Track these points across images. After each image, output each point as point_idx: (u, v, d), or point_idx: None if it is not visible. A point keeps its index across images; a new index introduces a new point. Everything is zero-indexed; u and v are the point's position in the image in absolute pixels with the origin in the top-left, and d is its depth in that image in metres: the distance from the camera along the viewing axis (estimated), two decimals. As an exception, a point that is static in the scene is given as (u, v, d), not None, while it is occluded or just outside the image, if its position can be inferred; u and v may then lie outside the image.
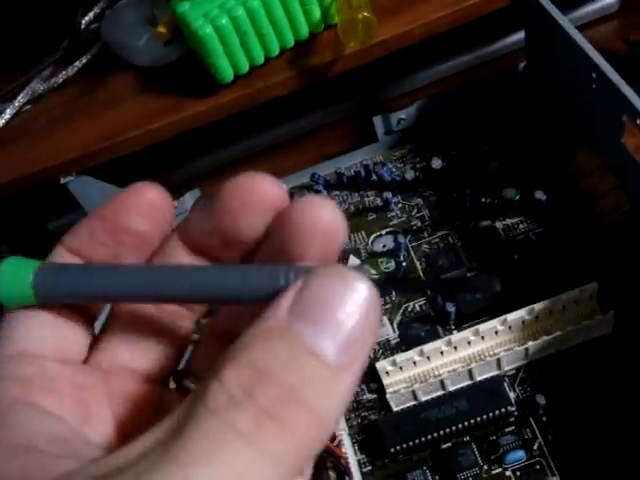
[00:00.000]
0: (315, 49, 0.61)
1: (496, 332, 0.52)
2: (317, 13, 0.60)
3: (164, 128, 0.61)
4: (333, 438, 0.50)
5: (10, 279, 0.26)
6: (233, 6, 0.56)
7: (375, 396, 0.54)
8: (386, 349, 0.56)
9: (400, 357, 0.52)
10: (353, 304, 0.22)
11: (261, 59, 0.60)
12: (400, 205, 0.62)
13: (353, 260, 0.60)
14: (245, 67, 0.60)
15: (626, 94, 0.50)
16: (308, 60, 0.60)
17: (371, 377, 0.54)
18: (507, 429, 0.50)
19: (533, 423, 0.50)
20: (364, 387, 0.54)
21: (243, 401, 0.20)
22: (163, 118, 0.61)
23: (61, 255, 0.28)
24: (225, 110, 0.61)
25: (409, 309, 0.57)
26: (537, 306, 0.51)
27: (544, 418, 0.50)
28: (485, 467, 0.49)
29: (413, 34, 0.60)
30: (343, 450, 0.49)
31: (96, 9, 0.70)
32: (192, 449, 0.19)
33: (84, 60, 0.67)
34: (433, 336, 0.55)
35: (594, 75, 0.54)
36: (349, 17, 0.56)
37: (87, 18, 0.70)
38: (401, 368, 0.52)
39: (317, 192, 0.64)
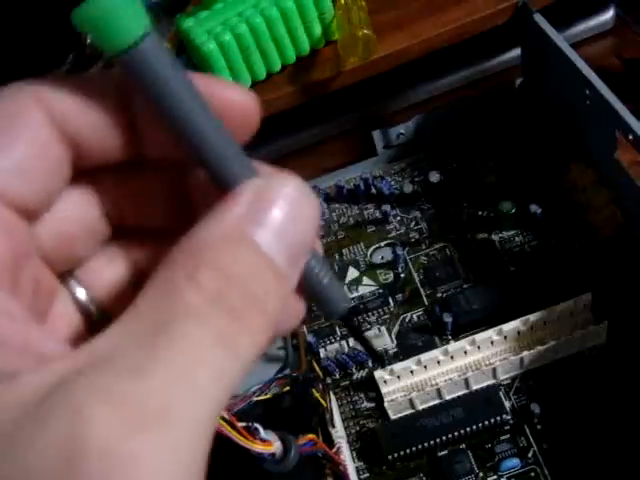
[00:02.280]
0: (316, 64, 0.62)
1: (492, 342, 0.53)
2: (318, 29, 0.61)
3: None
4: (332, 445, 0.51)
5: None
6: (236, 23, 0.58)
7: (373, 404, 0.55)
8: (384, 359, 0.57)
9: (398, 366, 0.53)
10: (301, 213, 0.24)
11: (263, 74, 0.61)
12: (399, 218, 0.64)
13: (352, 272, 0.62)
14: (247, 82, 0.61)
15: (619, 111, 0.52)
16: (309, 75, 0.62)
17: (369, 386, 0.55)
18: (502, 437, 0.51)
19: (528, 431, 0.51)
20: (362, 396, 0.56)
21: (218, 304, 0.21)
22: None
23: None
24: (227, 124, 0.62)
25: (407, 319, 0.58)
26: (532, 317, 0.52)
27: (539, 427, 0.51)
28: (481, 474, 0.50)
29: (413, 50, 0.61)
30: (342, 457, 0.50)
31: (102, 24, 0.71)
32: (172, 352, 0.20)
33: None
34: (430, 346, 0.56)
35: (588, 92, 0.55)
36: (349, 34, 0.58)
37: (93, 33, 0.71)
38: (399, 377, 0.53)
39: (317, 204, 0.65)
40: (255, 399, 0.49)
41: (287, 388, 0.50)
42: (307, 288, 0.26)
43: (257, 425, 0.44)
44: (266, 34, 0.59)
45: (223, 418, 0.44)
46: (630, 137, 0.51)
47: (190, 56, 0.62)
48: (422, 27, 0.61)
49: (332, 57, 0.61)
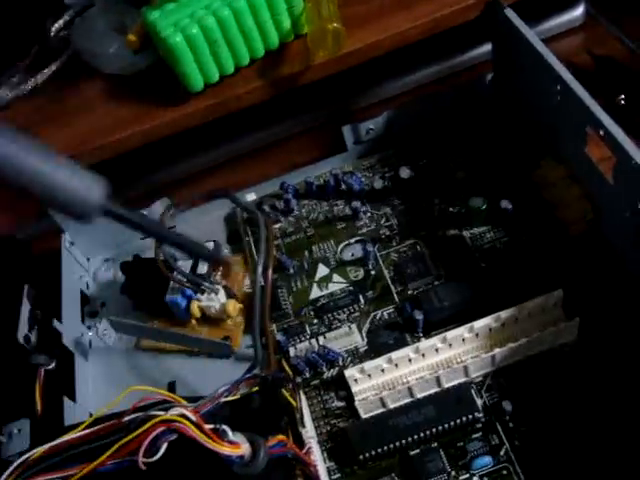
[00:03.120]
0: (285, 59, 0.61)
1: (463, 340, 0.52)
2: (287, 23, 0.60)
3: (134, 137, 0.61)
4: (302, 446, 0.50)
5: None
6: (203, 15, 0.57)
7: (344, 404, 0.54)
8: (355, 357, 0.56)
9: (368, 365, 0.52)
10: None
11: (231, 68, 0.60)
12: (369, 214, 0.63)
13: (322, 269, 0.61)
14: (215, 76, 0.60)
15: (589, 106, 0.51)
16: (278, 70, 0.61)
17: (340, 385, 0.54)
18: (474, 435, 0.51)
19: (500, 429, 0.50)
20: (333, 395, 0.55)
21: None
22: (133, 126, 0.61)
23: None
24: (195, 118, 0.61)
25: (377, 317, 0.57)
26: (503, 314, 0.52)
27: (510, 424, 0.50)
28: (453, 473, 0.49)
29: (383, 44, 0.61)
30: (312, 458, 0.49)
31: (66, 16, 0.70)
32: None
33: (54, 67, 0.67)
34: (401, 344, 0.55)
35: (559, 87, 0.55)
36: (318, 27, 0.57)
37: (57, 25, 0.70)
38: (369, 376, 0.53)
39: (287, 201, 0.64)
40: (223, 400, 0.48)
41: (256, 388, 0.49)
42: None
43: (225, 427, 0.43)
44: (234, 27, 0.58)
45: (190, 420, 0.43)
46: (601, 132, 0.51)
47: (157, 49, 0.60)
48: (392, 21, 0.61)
49: (301, 51, 0.60)
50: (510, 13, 0.59)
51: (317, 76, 0.61)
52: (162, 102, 0.62)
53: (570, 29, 0.73)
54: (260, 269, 0.58)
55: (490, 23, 0.62)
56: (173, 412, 0.44)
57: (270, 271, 0.59)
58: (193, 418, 0.43)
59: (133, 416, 0.46)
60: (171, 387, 0.57)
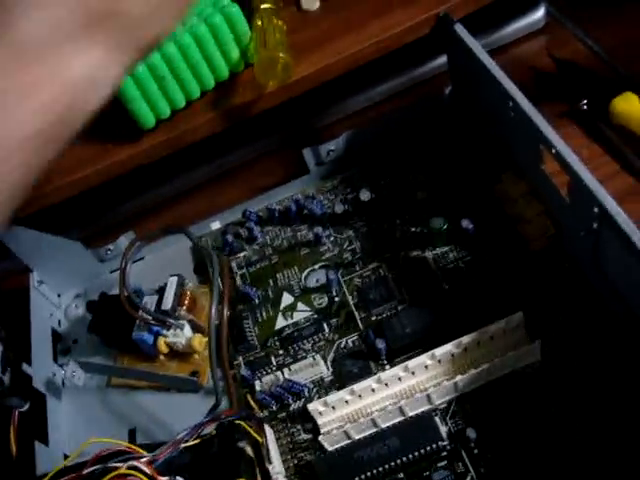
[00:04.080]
0: (236, 89, 0.61)
1: (426, 367, 0.52)
2: (235, 53, 0.60)
3: (91, 176, 0.61)
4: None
5: None
6: (149, 53, 0.56)
7: (310, 436, 0.54)
8: (321, 387, 0.56)
9: (331, 398, 0.52)
10: None
11: (182, 102, 0.60)
12: (332, 238, 0.63)
13: (287, 298, 0.61)
14: (166, 111, 0.59)
15: (539, 126, 0.51)
16: (230, 100, 0.60)
17: (306, 417, 0.54)
18: (440, 464, 0.50)
19: (465, 456, 0.50)
20: (299, 427, 0.55)
21: None
22: (90, 166, 0.60)
23: None
24: (149, 155, 0.60)
25: (342, 345, 0.57)
26: (464, 339, 0.51)
27: (475, 451, 0.50)
28: (419, 504, 0.49)
29: (334, 68, 0.60)
30: (280, 493, 0.50)
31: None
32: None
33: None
34: (366, 372, 0.55)
35: (511, 104, 0.54)
36: (265, 57, 0.57)
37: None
38: (333, 408, 0.52)
39: (249, 229, 0.64)
40: (183, 446, 0.48)
41: (213, 432, 0.49)
42: None
43: (179, 478, 0.43)
44: (181, 62, 0.57)
45: (144, 473, 0.43)
46: (553, 151, 0.50)
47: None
48: (342, 44, 0.60)
49: (252, 80, 0.60)
50: (460, 29, 0.58)
51: (269, 104, 0.60)
52: (118, 140, 0.61)
53: (532, 32, 0.72)
54: (213, 309, 0.58)
55: (443, 37, 0.61)
56: (129, 465, 0.44)
57: (225, 308, 0.60)
58: (147, 471, 0.44)
59: (92, 469, 0.46)
60: (132, 434, 0.57)
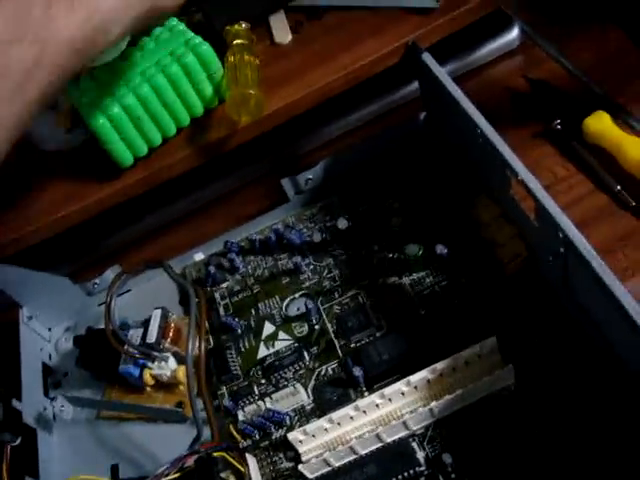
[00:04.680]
0: (211, 124, 0.62)
1: (402, 393, 0.53)
2: (209, 91, 0.61)
3: (73, 215, 0.62)
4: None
5: None
6: (123, 94, 0.58)
7: (292, 464, 0.55)
8: (302, 415, 0.57)
9: (310, 427, 0.53)
10: None
11: (158, 140, 0.61)
12: (312, 266, 0.64)
13: (268, 327, 0.62)
14: (143, 150, 0.61)
15: (503, 154, 0.52)
16: (205, 136, 0.62)
17: (288, 445, 0.55)
18: (418, 489, 0.51)
19: (442, 481, 0.51)
20: (282, 456, 0.56)
21: None
22: (69, 206, 0.62)
23: None
24: (128, 192, 0.62)
25: (322, 373, 0.58)
26: (439, 365, 0.52)
27: (453, 475, 0.51)
28: (398, 530, 0.50)
29: (305, 101, 0.61)
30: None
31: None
32: None
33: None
34: (345, 399, 0.56)
35: (478, 131, 0.55)
36: (237, 94, 0.58)
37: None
38: (314, 436, 0.53)
39: (231, 260, 0.65)
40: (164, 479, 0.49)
41: (192, 467, 0.50)
42: None
43: (157, 516, 0.44)
44: (156, 102, 0.59)
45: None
46: (518, 178, 0.51)
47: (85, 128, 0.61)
48: (313, 77, 0.61)
49: (227, 115, 0.60)
50: (427, 57, 0.59)
51: (244, 138, 0.62)
52: (97, 178, 0.63)
53: (506, 52, 0.73)
54: (190, 341, 0.59)
55: (413, 65, 0.62)
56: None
57: (202, 342, 0.61)
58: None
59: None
60: (114, 470, 0.58)
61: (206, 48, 0.59)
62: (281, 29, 0.65)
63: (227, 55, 0.61)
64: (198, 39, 0.60)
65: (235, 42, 0.62)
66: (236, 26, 0.63)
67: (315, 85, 0.61)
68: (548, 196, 0.48)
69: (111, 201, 0.62)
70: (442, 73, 0.58)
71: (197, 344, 0.60)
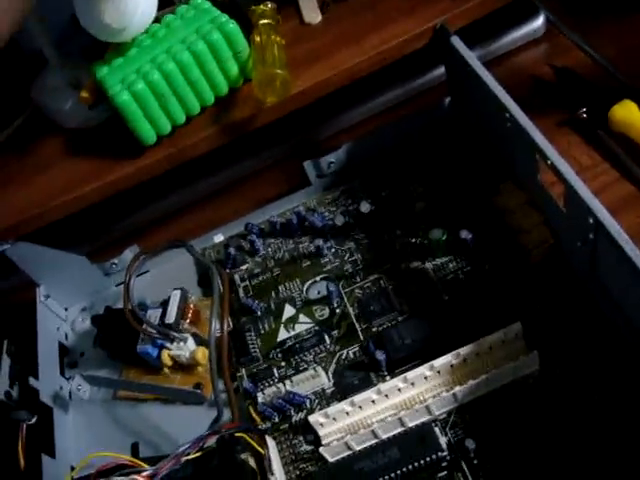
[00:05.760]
0: (236, 104, 0.62)
1: (425, 378, 0.52)
2: (234, 70, 0.60)
3: (93, 192, 0.61)
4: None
5: None
6: (149, 70, 0.57)
7: (312, 447, 0.54)
8: (322, 399, 0.56)
9: (332, 409, 0.52)
10: None
11: (182, 119, 0.61)
12: (333, 250, 0.63)
13: (289, 310, 0.61)
14: (167, 128, 0.60)
15: (534, 138, 0.51)
16: (229, 115, 0.61)
17: (307, 429, 0.54)
18: (440, 474, 0.51)
19: (465, 467, 0.50)
20: (301, 439, 0.55)
21: None
22: (91, 183, 0.61)
23: None
24: (150, 171, 0.61)
25: (343, 357, 0.58)
26: (462, 350, 0.52)
27: (475, 461, 0.50)
28: (419, 514, 0.49)
29: (332, 81, 0.61)
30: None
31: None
32: None
33: (15, 125, 0.68)
34: (367, 383, 0.56)
35: (507, 115, 0.54)
36: (263, 73, 0.57)
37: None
38: (334, 419, 0.53)
39: (252, 242, 0.64)
40: (184, 459, 0.48)
41: (214, 446, 0.49)
42: None
43: (178, 493, 0.44)
44: (181, 79, 0.58)
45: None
46: (549, 162, 0.50)
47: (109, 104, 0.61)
48: (340, 57, 0.61)
49: (251, 95, 0.60)
50: (456, 41, 0.58)
51: (269, 119, 0.61)
52: (119, 155, 0.62)
53: (531, 41, 0.72)
54: (213, 322, 0.58)
55: (440, 49, 0.62)
56: (131, 478, 0.45)
57: (226, 321, 0.61)
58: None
59: (94, 483, 0.47)
60: (135, 447, 0.58)
61: (233, 26, 0.59)
62: (310, 9, 0.64)
63: (253, 35, 0.60)
64: (225, 17, 0.59)
65: (261, 22, 0.61)
66: (262, 6, 0.63)
67: (342, 66, 0.60)
68: (579, 180, 0.48)
69: (133, 179, 0.61)
70: (471, 56, 0.57)
71: (218, 325, 0.60)
